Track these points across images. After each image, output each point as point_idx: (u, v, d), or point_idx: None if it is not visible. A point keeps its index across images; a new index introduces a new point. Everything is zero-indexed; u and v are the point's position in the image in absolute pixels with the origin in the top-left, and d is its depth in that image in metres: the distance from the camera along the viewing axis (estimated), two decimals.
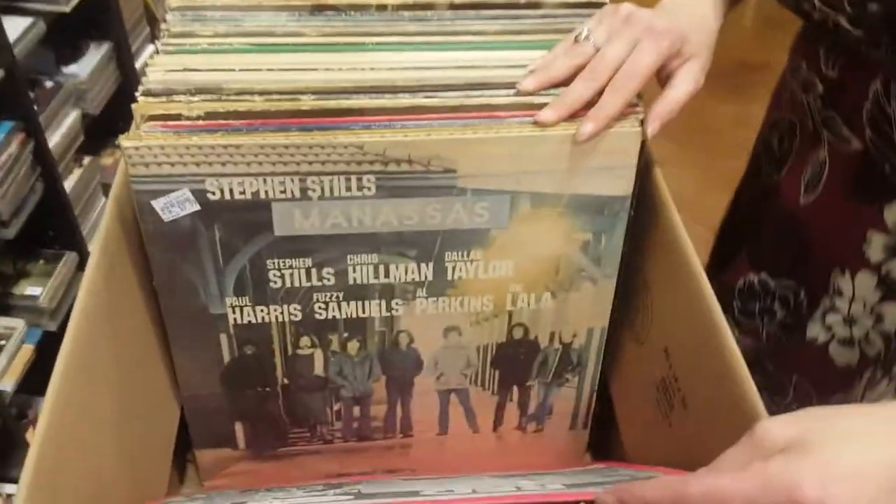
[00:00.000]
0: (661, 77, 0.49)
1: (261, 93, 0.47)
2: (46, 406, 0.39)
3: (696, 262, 0.46)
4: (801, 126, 0.56)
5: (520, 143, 0.46)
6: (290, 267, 0.50)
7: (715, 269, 0.67)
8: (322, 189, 0.46)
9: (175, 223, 0.47)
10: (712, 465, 0.35)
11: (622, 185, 0.49)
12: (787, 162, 0.58)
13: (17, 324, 1.26)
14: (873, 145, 0.49)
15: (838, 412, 0.35)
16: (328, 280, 0.50)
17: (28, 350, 1.27)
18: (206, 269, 0.49)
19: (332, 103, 0.47)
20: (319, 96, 0.47)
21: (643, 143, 0.47)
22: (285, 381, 0.55)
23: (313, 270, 0.50)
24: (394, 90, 0.48)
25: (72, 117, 1.35)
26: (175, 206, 0.47)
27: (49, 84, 1.31)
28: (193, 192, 0.46)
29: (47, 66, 1.34)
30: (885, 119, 0.48)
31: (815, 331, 0.57)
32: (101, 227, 0.47)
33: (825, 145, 0.53)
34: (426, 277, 0.51)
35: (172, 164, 0.45)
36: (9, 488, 1.28)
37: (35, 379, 1.27)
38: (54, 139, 1.29)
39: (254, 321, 0.52)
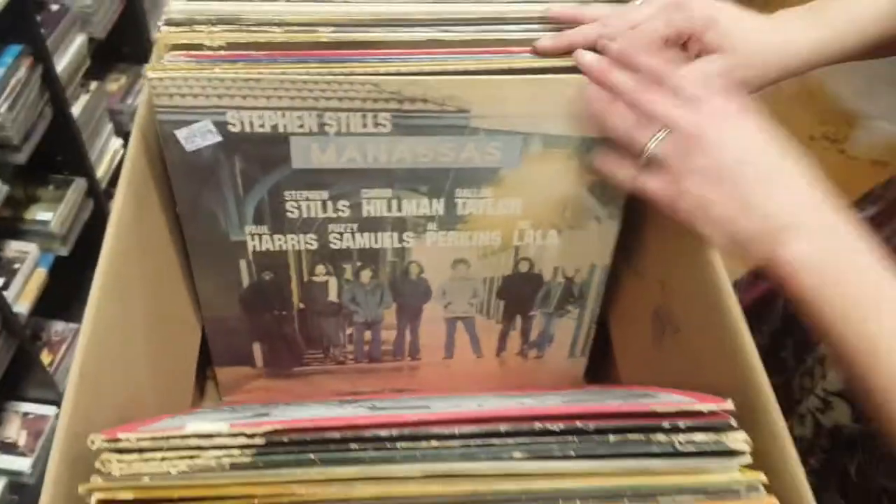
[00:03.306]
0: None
1: (279, 24, 0.48)
2: (86, 323, 0.41)
3: None
4: None
5: (534, 87, 0.47)
6: (307, 199, 0.51)
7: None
8: (339, 125, 0.48)
9: (197, 153, 0.48)
10: None
11: None
12: None
13: (31, 248, 1.28)
14: None
15: None
16: (343, 212, 0.52)
17: (41, 274, 1.29)
18: (226, 198, 0.51)
19: (349, 36, 0.48)
20: (337, 29, 0.48)
21: None
22: (301, 305, 0.58)
23: (329, 202, 0.52)
24: (411, 23, 0.49)
25: (78, 41, 1.34)
26: (197, 136, 0.48)
27: (55, 7, 1.30)
28: (215, 123, 0.47)
29: None
30: None
31: None
32: (127, 158, 0.49)
33: None
34: (437, 212, 0.53)
35: (195, 96, 0.46)
36: (25, 407, 1.33)
37: (48, 302, 1.30)
38: (61, 64, 1.28)
39: (272, 248, 0.54)
